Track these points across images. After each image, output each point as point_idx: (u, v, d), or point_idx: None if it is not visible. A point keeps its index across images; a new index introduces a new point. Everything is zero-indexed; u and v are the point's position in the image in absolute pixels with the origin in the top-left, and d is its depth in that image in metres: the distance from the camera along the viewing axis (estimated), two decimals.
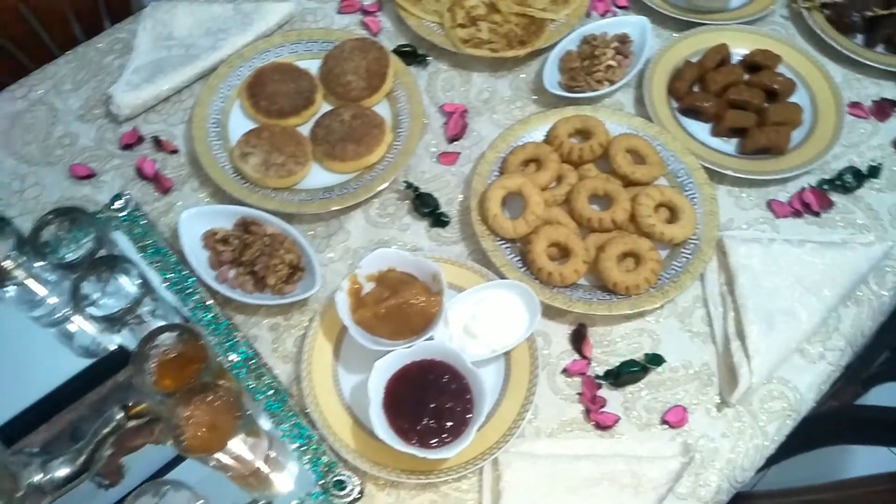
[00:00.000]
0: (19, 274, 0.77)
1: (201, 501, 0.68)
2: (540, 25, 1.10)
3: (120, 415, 0.55)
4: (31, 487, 0.53)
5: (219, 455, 0.67)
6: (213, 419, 0.66)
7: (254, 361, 0.83)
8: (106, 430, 0.54)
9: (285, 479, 0.78)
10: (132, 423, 0.53)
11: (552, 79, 1.05)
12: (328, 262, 0.94)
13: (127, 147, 1.02)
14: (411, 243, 0.96)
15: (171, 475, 0.74)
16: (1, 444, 0.56)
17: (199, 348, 0.71)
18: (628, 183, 0.95)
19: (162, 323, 0.78)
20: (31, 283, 0.80)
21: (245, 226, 0.92)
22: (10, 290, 0.80)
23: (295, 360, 0.87)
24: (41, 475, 0.54)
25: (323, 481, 0.77)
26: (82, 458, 0.54)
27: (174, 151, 1.02)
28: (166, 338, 0.71)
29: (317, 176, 0.99)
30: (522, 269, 0.91)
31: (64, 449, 0.55)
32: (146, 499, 0.65)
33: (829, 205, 0.98)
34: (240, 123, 1.02)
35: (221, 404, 0.67)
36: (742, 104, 1.02)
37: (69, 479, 0.54)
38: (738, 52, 1.08)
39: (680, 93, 1.04)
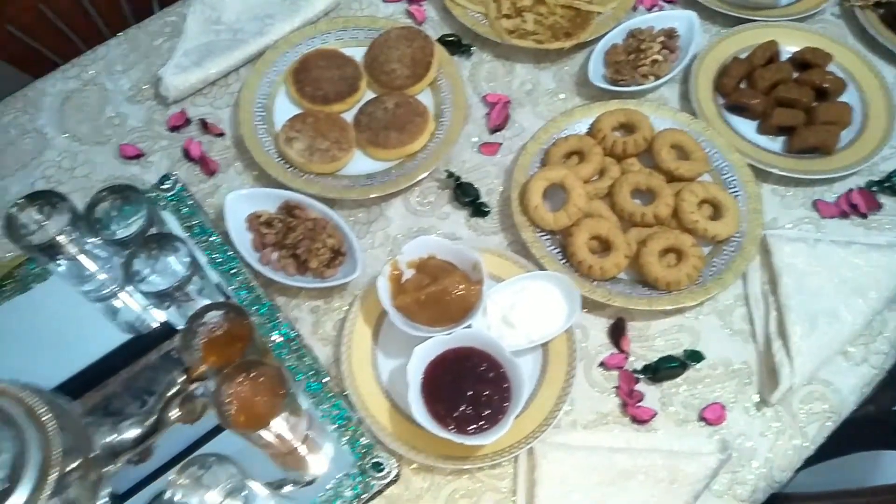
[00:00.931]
0: (72, 249, 0.79)
1: (241, 477, 0.70)
2: (586, 18, 1.09)
3: (181, 377, 0.55)
4: (105, 448, 0.54)
5: (262, 432, 0.68)
6: (259, 396, 0.67)
7: (295, 342, 0.84)
8: (170, 393, 0.55)
9: (322, 460, 0.80)
10: (192, 387, 0.54)
11: (597, 72, 1.05)
12: (368, 247, 0.95)
13: (174, 129, 1.04)
14: (450, 232, 0.96)
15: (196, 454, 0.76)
16: (78, 406, 0.58)
17: (245, 327, 0.72)
18: (672, 178, 0.95)
19: (208, 301, 0.79)
20: (83, 259, 0.82)
21: (289, 209, 0.93)
22: (63, 265, 0.82)
23: (334, 343, 0.88)
24: (114, 436, 0.56)
25: (361, 462, 0.78)
26: (152, 420, 0.56)
27: (220, 134, 1.03)
28: (213, 315, 0.73)
29: (359, 162, 1.00)
30: (562, 262, 0.91)
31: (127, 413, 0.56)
32: (193, 470, 0.67)
33: (876, 207, 0.97)
34: (285, 108, 1.03)
35: (267, 382, 0.68)
36: (790, 102, 1.00)
37: (140, 440, 0.55)
38: (788, 49, 1.07)
39: (727, 89, 1.02)
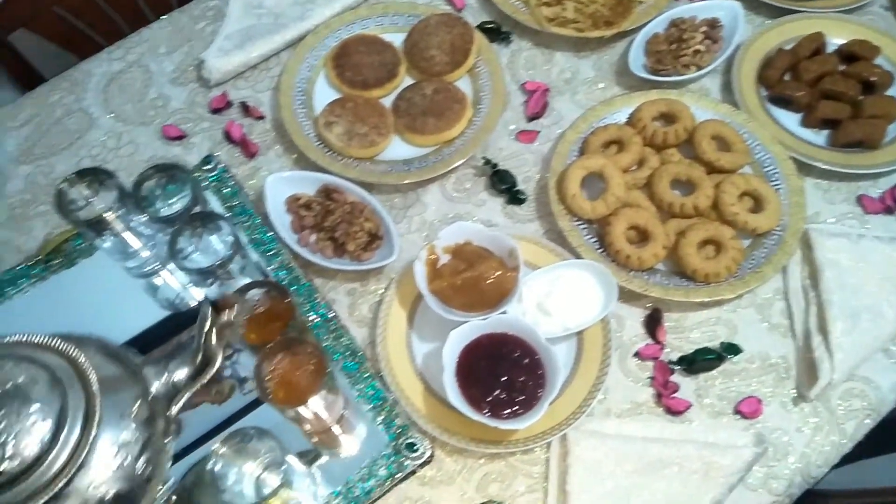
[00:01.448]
0: (118, 225, 0.80)
1: (280, 451, 0.71)
2: (627, 6, 1.08)
3: (209, 309, 0.55)
4: (159, 390, 0.55)
5: (300, 409, 0.70)
6: (300, 373, 0.69)
7: (333, 323, 0.85)
8: (206, 328, 0.55)
9: (357, 439, 0.81)
10: (223, 318, 0.55)
11: (637, 61, 1.04)
12: (404, 232, 0.96)
13: (216, 111, 1.05)
14: (486, 219, 0.97)
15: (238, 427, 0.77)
16: (135, 351, 0.59)
17: (287, 305, 0.73)
18: (712, 170, 0.94)
19: (249, 279, 0.80)
20: (128, 235, 0.84)
21: (327, 192, 0.94)
22: (108, 241, 0.84)
23: (370, 325, 0.89)
24: (165, 376, 0.56)
25: (395, 443, 0.79)
26: (199, 357, 0.56)
27: (260, 117, 1.05)
28: (256, 293, 0.74)
29: (397, 148, 1.00)
30: (599, 251, 0.90)
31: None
32: (234, 443, 0.68)
33: None
34: (324, 93, 1.04)
35: (308, 359, 0.69)
36: (836, 95, 0.98)
37: (192, 378, 0.56)
38: (834, 41, 1.05)
39: (771, 81, 1.01)
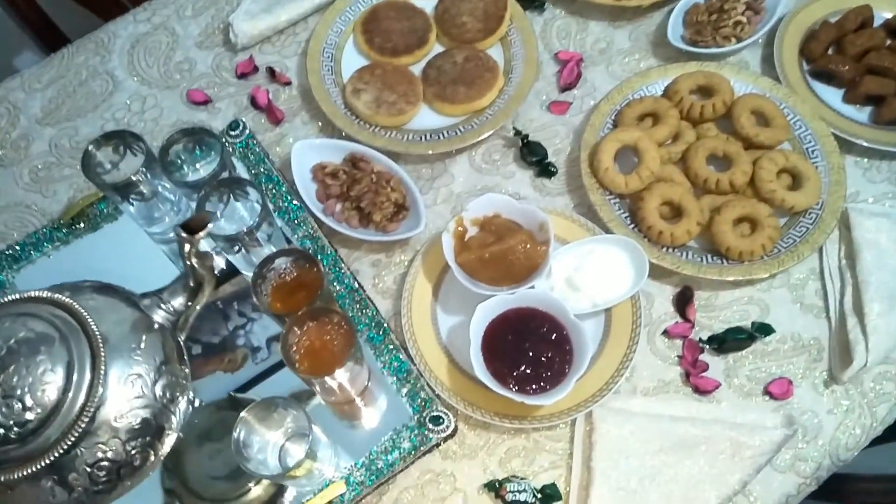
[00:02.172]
0: (145, 189, 0.80)
1: (305, 421, 0.71)
2: None
3: (182, 233, 0.55)
4: (163, 319, 0.57)
5: (326, 379, 0.69)
6: (328, 344, 0.68)
7: (358, 293, 0.84)
8: (186, 251, 0.56)
9: (381, 411, 0.80)
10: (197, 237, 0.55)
11: (675, 32, 1.01)
12: (431, 204, 0.94)
13: (242, 76, 1.03)
14: (515, 192, 0.95)
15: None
16: (134, 294, 0.60)
17: (314, 275, 0.72)
18: (749, 145, 0.91)
19: (275, 248, 0.79)
20: (154, 200, 0.83)
21: (354, 161, 0.93)
22: (134, 205, 0.83)
23: (394, 297, 0.88)
24: (164, 305, 0.58)
25: (419, 415, 0.78)
26: (190, 282, 0.57)
27: (287, 83, 1.03)
28: (283, 262, 0.73)
29: (426, 117, 0.98)
30: (630, 226, 0.88)
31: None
32: (260, 413, 0.68)
33: None
34: (352, 59, 1.02)
35: (335, 329, 0.69)
36: (882, 70, 0.95)
37: (190, 301, 0.57)
38: (882, 14, 1.00)
39: (814, 54, 0.97)
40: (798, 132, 0.93)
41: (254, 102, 1.01)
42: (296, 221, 0.89)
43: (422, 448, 0.77)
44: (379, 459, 0.76)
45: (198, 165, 0.84)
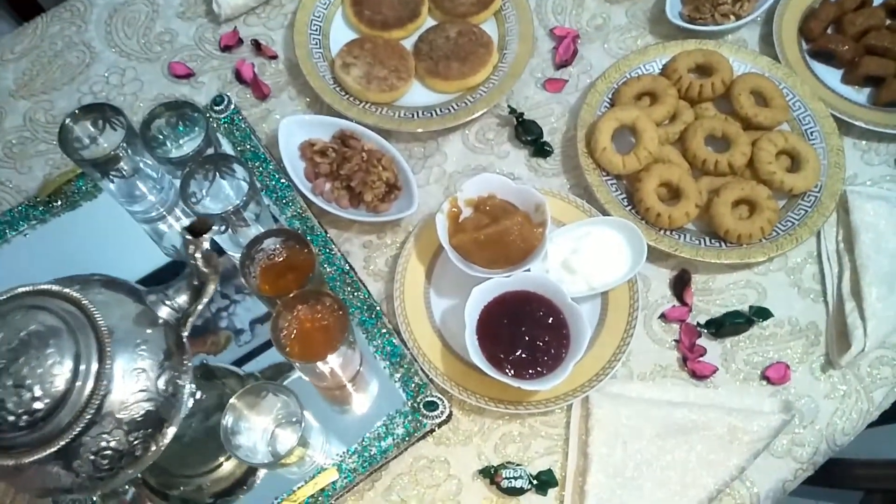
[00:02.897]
0: (125, 166, 0.76)
1: (296, 407, 0.68)
2: None
3: (187, 235, 0.57)
4: (167, 316, 0.59)
5: (318, 364, 0.67)
6: (320, 329, 0.66)
7: (350, 275, 0.82)
8: (190, 250, 0.57)
9: (373, 396, 0.78)
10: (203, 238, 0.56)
11: (674, 8, 0.98)
12: (423, 184, 0.92)
13: (226, 49, 0.99)
14: (509, 172, 0.92)
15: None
16: (141, 289, 0.61)
17: (305, 256, 0.70)
18: (748, 126, 0.89)
19: (263, 228, 0.77)
20: (135, 177, 0.79)
21: (343, 139, 0.90)
22: (114, 182, 0.79)
23: (386, 279, 0.86)
24: (169, 302, 0.59)
25: (413, 401, 0.76)
26: (195, 281, 0.59)
27: (273, 57, 0.99)
28: (272, 243, 0.70)
29: (417, 93, 0.95)
30: (627, 208, 0.87)
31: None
32: (250, 399, 0.66)
33: None
34: (341, 33, 0.98)
35: (328, 313, 0.66)
36: (881, 51, 0.93)
37: (193, 299, 0.59)
38: None
39: (813, 34, 0.96)
40: (796, 113, 0.91)
41: (238, 76, 0.97)
42: (284, 201, 0.86)
43: (416, 434, 0.75)
44: (372, 446, 0.74)
45: (181, 141, 0.80)
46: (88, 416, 0.49)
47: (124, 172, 0.77)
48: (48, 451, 0.48)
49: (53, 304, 0.52)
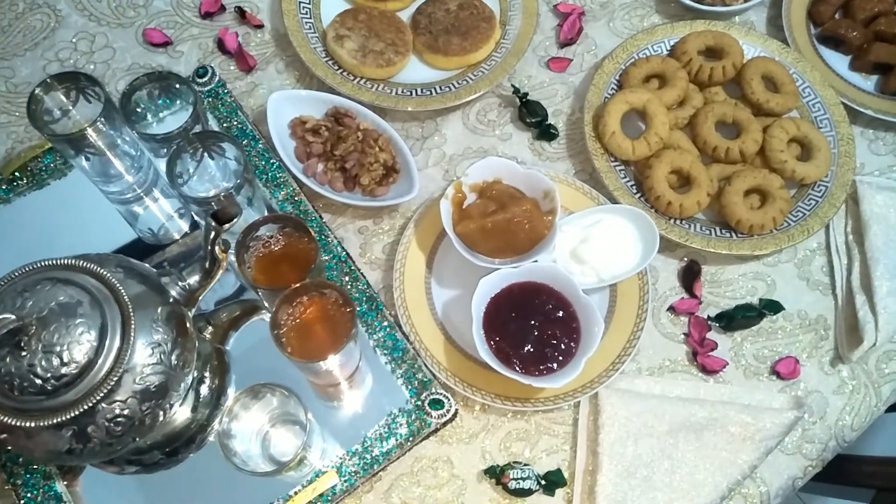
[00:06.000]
0: (101, 142, 0.69)
1: (295, 406, 0.64)
2: None
3: (212, 222, 0.58)
4: (178, 295, 0.61)
5: (320, 363, 0.62)
6: (325, 324, 0.61)
7: (348, 264, 0.77)
8: (211, 237, 0.59)
9: (374, 394, 0.73)
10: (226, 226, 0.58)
11: None
12: (421, 166, 0.87)
13: (207, 16, 0.92)
14: (512, 155, 0.88)
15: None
16: (153, 270, 0.62)
17: (306, 245, 0.64)
18: (759, 112, 0.87)
19: (256, 213, 0.71)
20: (110, 155, 0.72)
21: (337, 117, 0.84)
22: (89, 160, 0.72)
23: (384, 268, 0.81)
24: (180, 283, 0.61)
25: (417, 399, 0.72)
26: (207, 262, 0.60)
27: (259, 26, 0.92)
28: (269, 229, 0.64)
29: (415, 69, 0.90)
30: (637, 195, 0.83)
31: None
32: (245, 400, 0.61)
33: None
34: (334, 2, 0.92)
35: (335, 308, 0.61)
36: (891, 38, 0.91)
37: (203, 280, 0.61)
38: None
39: (822, 18, 0.93)
40: (806, 100, 0.89)
41: (221, 46, 0.90)
42: (275, 183, 0.80)
43: (420, 434, 0.71)
44: (374, 447, 0.70)
45: (161, 115, 0.74)
46: (110, 385, 0.52)
47: (99, 149, 0.70)
48: (68, 416, 0.51)
49: (79, 279, 0.54)
